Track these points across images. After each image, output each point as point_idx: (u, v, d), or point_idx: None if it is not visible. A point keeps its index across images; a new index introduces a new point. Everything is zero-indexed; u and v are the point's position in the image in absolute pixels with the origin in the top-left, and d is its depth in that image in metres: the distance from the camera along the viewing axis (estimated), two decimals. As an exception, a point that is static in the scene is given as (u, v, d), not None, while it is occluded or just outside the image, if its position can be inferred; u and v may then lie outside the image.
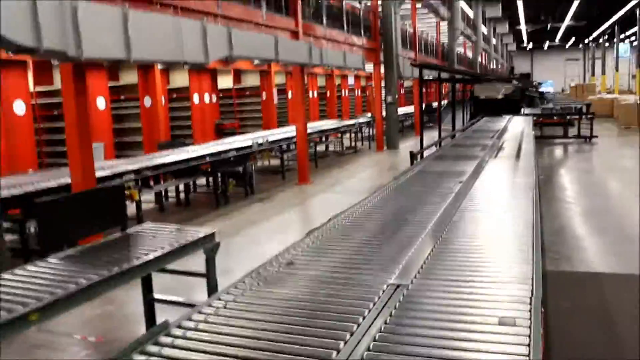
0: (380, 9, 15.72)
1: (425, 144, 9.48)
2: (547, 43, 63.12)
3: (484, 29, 38.02)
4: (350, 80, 24.25)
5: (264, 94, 16.85)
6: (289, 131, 13.98)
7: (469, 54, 36.47)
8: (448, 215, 3.85)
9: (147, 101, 12.19)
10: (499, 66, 51.19)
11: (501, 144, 8.80)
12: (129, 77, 12.71)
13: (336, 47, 12.53)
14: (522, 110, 18.60)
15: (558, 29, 49.67)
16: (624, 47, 52.63)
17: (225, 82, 17.51)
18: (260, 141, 10.15)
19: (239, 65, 15.81)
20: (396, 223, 3.74)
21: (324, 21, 11.75)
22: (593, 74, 57.76)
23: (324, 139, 15.47)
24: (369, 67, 18.06)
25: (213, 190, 9.15)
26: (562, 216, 7.38)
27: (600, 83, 48.68)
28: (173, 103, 13.97)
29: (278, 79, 18.76)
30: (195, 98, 13.91)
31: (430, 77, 13.48)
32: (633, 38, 57.26)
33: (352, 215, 4.04)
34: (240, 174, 9.72)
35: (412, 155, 6.75)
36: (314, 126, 14.25)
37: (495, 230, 3.46)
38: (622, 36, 48.53)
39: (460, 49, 35.05)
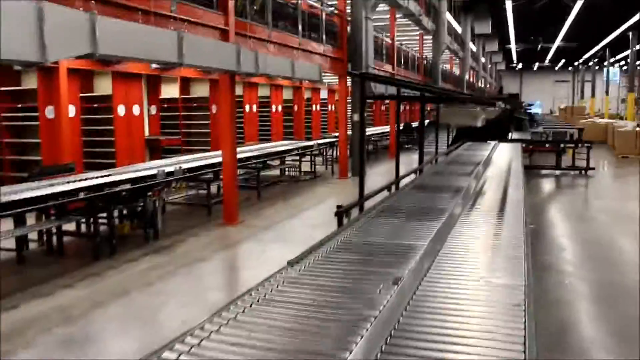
0: (349, 12, 13.52)
1: (387, 178, 7.22)
2: (536, 64, 61.78)
3: (472, 46, 36.14)
4: (323, 94, 22.04)
5: (213, 107, 14.54)
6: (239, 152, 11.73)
7: (456, 71, 34.46)
8: None
9: (50, 112, 9.83)
10: (487, 85, 49.36)
11: (481, 186, 6.57)
12: (34, 81, 10.37)
13: (288, 54, 10.29)
14: (510, 135, 16.48)
15: (548, 49, 48.17)
16: (613, 71, 51.44)
17: (171, 90, 15.23)
18: (170, 169, 7.83)
19: (184, 72, 13.61)
20: None
21: (270, 21, 9.49)
22: (582, 97, 56.63)
23: (279, 162, 13.22)
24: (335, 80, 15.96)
25: (92, 236, 6.81)
26: (562, 303, 5.11)
27: (589, 106, 47.45)
28: (94, 114, 11.62)
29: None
30: (120, 110, 11.57)
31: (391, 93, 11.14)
32: (622, 62, 56.15)
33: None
34: (139, 212, 7.41)
35: (340, 214, 4.43)
36: (261, 148, 11.98)
37: None
38: (612, 60, 47.24)
39: (446, 66, 33.11)
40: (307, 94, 20.07)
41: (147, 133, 13.62)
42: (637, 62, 39.01)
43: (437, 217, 4.60)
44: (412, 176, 7.32)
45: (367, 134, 18.09)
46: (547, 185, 13.30)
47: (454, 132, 16.24)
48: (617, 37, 39.00)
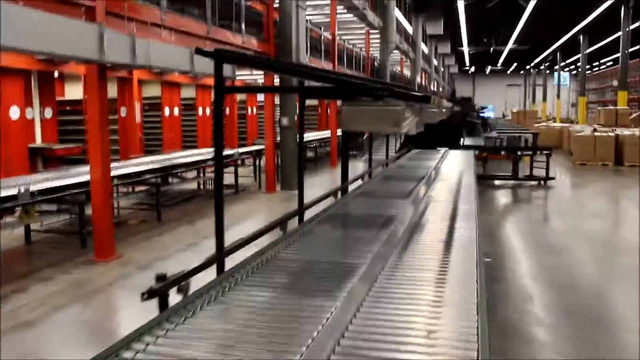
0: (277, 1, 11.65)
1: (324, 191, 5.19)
2: (489, 67, 61.45)
3: (424, 47, 34.86)
4: (261, 96, 20.09)
5: (122, 110, 12.50)
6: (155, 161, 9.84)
7: (407, 73, 33.02)
8: None
9: None
10: (440, 89, 48.33)
11: (420, 215, 4.82)
12: None
13: (193, 45, 8.36)
14: (462, 140, 14.98)
15: (501, 52, 47.57)
16: (563, 75, 51.58)
17: (77, 91, 13.10)
18: (12, 192, 5.81)
19: (81, 69, 11.51)
20: None
21: (164, 1, 7.54)
22: (534, 101, 56.86)
23: (196, 174, 11.30)
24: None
25: None
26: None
27: (541, 110, 47.55)
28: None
29: (151, 91, 14.53)
30: (-8, 112, 9.44)
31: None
32: (572, 67, 56.36)
33: None
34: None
35: (161, 294, 2.53)
36: (165, 159, 10.08)
37: None
38: (562, 64, 47.21)
39: (397, 68, 31.68)
40: (241, 96, 18.12)
41: (39, 141, 11.49)
42: (587, 66, 38.73)
43: (337, 285, 2.79)
44: (331, 200, 5.51)
45: (307, 139, 16.31)
46: (504, 199, 11.76)
47: (402, 138, 14.64)
48: (568, 41, 38.61)
